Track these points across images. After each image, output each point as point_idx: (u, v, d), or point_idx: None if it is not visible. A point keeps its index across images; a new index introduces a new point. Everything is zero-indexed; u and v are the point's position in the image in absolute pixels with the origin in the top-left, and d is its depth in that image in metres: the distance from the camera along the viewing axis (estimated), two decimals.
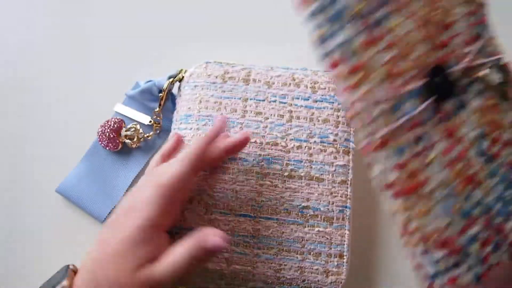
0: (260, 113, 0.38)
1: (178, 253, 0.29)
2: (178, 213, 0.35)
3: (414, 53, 0.25)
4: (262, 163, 0.37)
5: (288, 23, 0.46)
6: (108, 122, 0.43)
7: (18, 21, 0.50)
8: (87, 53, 0.49)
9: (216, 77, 0.39)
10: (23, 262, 0.42)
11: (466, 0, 0.27)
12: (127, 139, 0.43)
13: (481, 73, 0.26)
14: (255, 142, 0.37)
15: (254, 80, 0.38)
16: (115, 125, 0.43)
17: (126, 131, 0.43)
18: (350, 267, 0.36)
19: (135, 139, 0.43)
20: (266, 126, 0.37)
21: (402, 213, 0.25)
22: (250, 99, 0.38)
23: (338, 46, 0.25)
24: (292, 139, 0.37)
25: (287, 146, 0.37)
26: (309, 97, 0.38)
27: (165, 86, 0.40)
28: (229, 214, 0.36)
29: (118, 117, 0.44)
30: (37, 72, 0.48)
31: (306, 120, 0.37)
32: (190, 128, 0.38)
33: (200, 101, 0.38)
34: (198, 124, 0.38)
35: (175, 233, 0.36)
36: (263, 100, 0.38)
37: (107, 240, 0.30)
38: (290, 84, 0.38)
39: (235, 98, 0.38)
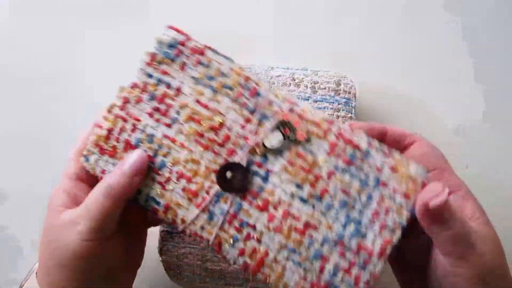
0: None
1: (92, 191, 0.29)
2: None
3: (201, 168, 0.29)
4: None
5: (289, 24, 0.47)
6: None
7: (16, 21, 0.50)
8: (87, 53, 0.49)
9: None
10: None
11: (227, 92, 0.29)
12: None
13: (267, 143, 0.28)
14: None
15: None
16: None
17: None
18: None
19: None
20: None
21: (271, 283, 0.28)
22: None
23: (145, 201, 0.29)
24: None
25: None
26: (309, 97, 0.38)
27: None
28: None
29: None
30: (37, 72, 0.48)
31: None
32: None
33: None
34: None
35: (175, 233, 0.36)
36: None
37: None
38: (290, 84, 0.38)
39: None
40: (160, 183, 0.29)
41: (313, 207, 0.28)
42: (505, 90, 0.45)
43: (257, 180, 0.28)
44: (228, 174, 0.28)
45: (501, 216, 0.39)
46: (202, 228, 0.28)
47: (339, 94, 0.38)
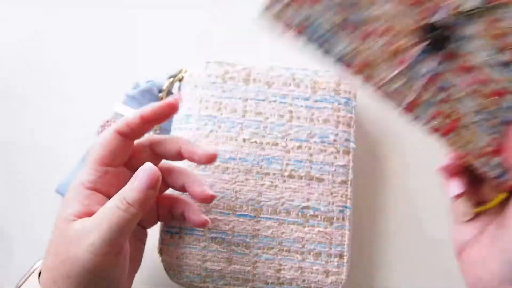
0: (260, 113, 0.38)
1: (105, 205, 0.29)
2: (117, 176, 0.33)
3: (403, 25, 0.27)
4: (262, 163, 0.37)
5: None
6: (108, 122, 0.43)
7: (14, 21, 0.50)
8: (87, 53, 0.49)
9: (216, 77, 0.39)
10: (23, 263, 0.41)
11: None
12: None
13: (466, 4, 0.26)
14: (255, 142, 0.37)
15: (254, 80, 0.38)
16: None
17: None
18: (350, 267, 0.36)
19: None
20: (266, 126, 0.37)
21: (453, 147, 0.27)
22: (250, 99, 0.38)
23: (337, 59, 0.27)
24: (292, 139, 0.37)
25: (287, 146, 0.37)
26: (309, 97, 0.38)
27: (165, 86, 0.40)
28: (229, 213, 0.36)
29: (118, 118, 0.43)
30: (37, 72, 0.48)
31: (307, 120, 0.37)
32: (190, 128, 0.38)
33: (200, 101, 0.38)
34: (198, 124, 0.38)
35: (175, 233, 0.36)
36: (263, 100, 0.38)
37: None
38: (290, 84, 0.38)
39: (235, 98, 0.38)
40: (359, 37, 0.27)
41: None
42: None
43: (455, 43, 0.27)
44: (430, 34, 0.27)
45: None
46: (399, 87, 0.27)
47: (339, 94, 0.38)
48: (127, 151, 0.33)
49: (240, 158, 0.37)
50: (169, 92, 0.41)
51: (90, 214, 0.29)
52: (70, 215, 0.29)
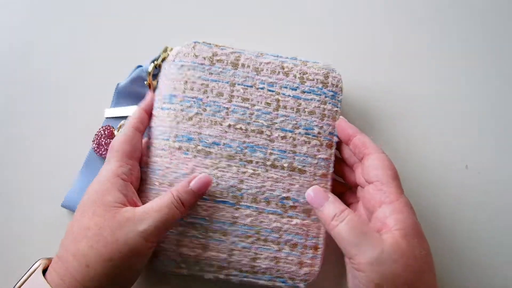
0: (247, 99, 0.37)
1: (161, 198, 0.33)
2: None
3: None
4: (246, 150, 0.36)
5: (283, 13, 0.46)
6: (98, 132, 0.42)
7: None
8: (75, 60, 0.46)
9: (204, 59, 0.37)
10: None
11: None
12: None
13: None
14: (240, 128, 0.36)
15: (243, 65, 0.38)
16: (106, 132, 0.42)
17: (118, 131, 0.41)
18: (324, 259, 0.36)
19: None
20: (253, 113, 0.37)
21: None
22: (238, 84, 0.37)
23: None
24: (277, 129, 0.37)
25: (272, 135, 0.37)
26: (297, 87, 0.37)
27: (149, 69, 0.39)
28: (208, 199, 0.35)
29: (104, 125, 0.42)
30: (23, 83, 0.46)
31: (293, 110, 0.37)
32: (174, 109, 0.37)
33: (186, 82, 0.37)
34: (182, 105, 0.36)
35: None
36: (251, 86, 0.37)
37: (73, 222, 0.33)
38: (279, 72, 0.38)
39: (222, 82, 0.37)
40: None
41: None
42: (505, 88, 0.45)
43: None
44: None
45: (501, 216, 0.40)
46: None
47: (327, 86, 0.38)
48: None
49: (224, 144, 0.36)
50: (156, 76, 0.40)
51: (130, 203, 0.33)
52: (112, 202, 0.32)
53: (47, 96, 0.45)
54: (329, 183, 0.37)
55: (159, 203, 0.32)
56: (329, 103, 0.38)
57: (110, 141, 0.40)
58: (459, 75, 0.46)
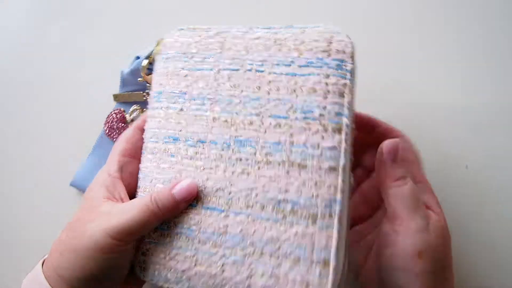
0: (234, 85, 0.31)
1: (139, 199, 0.31)
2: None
3: None
4: (234, 146, 0.30)
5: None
6: (109, 117, 0.42)
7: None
8: (83, 50, 0.49)
9: (188, 46, 0.33)
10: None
11: None
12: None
13: None
14: (226, 121, 0.31)
15: (230, 46, 0.32)
16: (118, 116, 0.41)
17: (130, 115, 0.41)
18: (341, 277, 0.28)
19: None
20: (240, 101, 0.31)
21: None
22: (224, 69, 0.32)
23: None
24: (269, 116, 0.30)
25: (263, 124, 0.30)
26: (291, 61, 0.30)
27: (143, 64, 0.36)
28: (196, 205, 0.31)
29: (116, 108, 0.42)
30: (33, 71, 0.50)
31: (287, 91, 0.30)
32: (161, 107, 0.33)
33: (170, 76, 0.33)
34: (168, 102, 0.33)
35: None
36: (238, 70, 0.31)
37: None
38: (271, 47, 0.31)
39: (207, 70, 0.32)
40: None
41: None
42: (505, 88, 0.44)
43: None
44: None
45: (501, 216, 0.39)
46: None
47: (330, 55, 0.29)
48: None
49: (210, 141, 0.31)
50: (150, 71, 0.37)
51: (117, 199, 0.32)
52: (97, 198, 0.31)
53: (58, 81, 0.49)
54: (340, 179, 0.28)
55: (135, 203, 0.30)
56: (334, 75, 0.29)
57: (122, 125, 0.40)
58: (458, 73, 0.45)
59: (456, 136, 0.43)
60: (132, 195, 0.34)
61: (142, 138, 0.35)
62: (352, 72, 0.29)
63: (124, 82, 0.42)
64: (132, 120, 0.41)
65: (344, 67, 0.29)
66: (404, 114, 0.44)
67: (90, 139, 0.44)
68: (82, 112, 0.46)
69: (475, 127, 0.43)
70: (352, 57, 0.29)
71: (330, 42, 0.29)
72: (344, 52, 0.29)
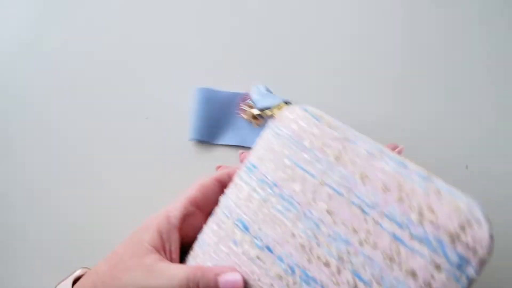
0: (329, 211, 0.26)
1: (185, 267, 0.28)
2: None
3: None
4: (298, 277, 0.26)
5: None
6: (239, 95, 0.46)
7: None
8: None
9: (304, 135, 0.28)
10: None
11: None
12: (253, 118, 0.43)
13: None
14: (303, 245, 0.26)
15: (346, 164, 0.26)
16: (244, 98, 0.45)
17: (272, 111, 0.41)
18: None
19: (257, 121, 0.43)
20: (327, 233, 0.26)
21: None
22: (328, 185, 0.26)
23: None
24: (350, 270, 0.25)
25: (339, 275, 0.25)
26: (406, 224, 0.24)
27: (254, 112, 0.33)
28: None
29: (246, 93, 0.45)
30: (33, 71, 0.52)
31: (383, 255, 0.24)
32: (248, 184, 0.29)
33: (273, 156, 0.29)
34: (256, 184, 0.29)
35: None
36: (342, 195, 0.26)
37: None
38: (390, 191, 0.25)
39: (310, 175, 0.27)
40: None
41: None
42: (506, 88, 0.45)
43: None
44: None
45: (501, 216, 0.37)
46: None
47: (455, 245, 0.22)
48: (218, 199, 0.32)
49: (277, 255, 0.27)
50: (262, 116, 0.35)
51: (165, 250, 0.30)
52: (144, 241, 0.29)
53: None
54: None
55: (178, 272, 0.28)
56: (447, 272, 0.22)
57: (241, 105, 0.44)
58: (458, 75, 0.46)
59: (456, 136, 0.44)
60: (184, 247, 0.32)
61: (217, 192, 0.32)
62: (471, 283, 0.22)
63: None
64: (252, 115, 0.42)
65: (465, 270, 0.22)
66: (404, 114, 0.45)
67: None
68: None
69: (475, 127, 0.44)
70: (482, 263, 0.22)
71: (464, 228, 0.23)
72: (475, 251, 0.22)
